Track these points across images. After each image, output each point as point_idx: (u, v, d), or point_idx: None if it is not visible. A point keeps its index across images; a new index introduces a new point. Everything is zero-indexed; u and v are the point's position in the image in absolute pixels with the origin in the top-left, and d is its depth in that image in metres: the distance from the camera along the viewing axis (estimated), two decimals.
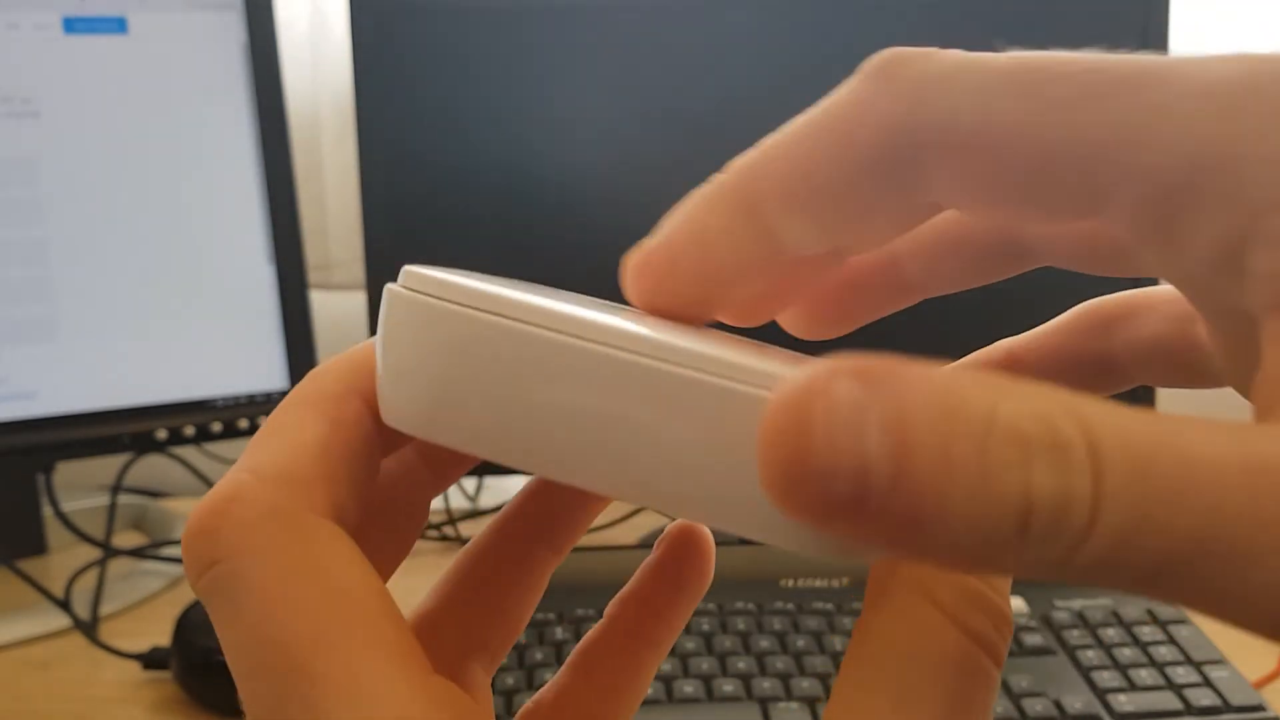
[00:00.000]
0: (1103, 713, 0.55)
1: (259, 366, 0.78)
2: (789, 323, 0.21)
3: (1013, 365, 0.21)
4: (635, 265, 0.18)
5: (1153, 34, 0.70)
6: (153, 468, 0.89)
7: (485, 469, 0.81)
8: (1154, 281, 0.20)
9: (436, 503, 0.90)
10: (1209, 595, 0.12)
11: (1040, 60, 0.15)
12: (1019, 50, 0.15)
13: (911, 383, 0.12)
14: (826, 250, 0.17)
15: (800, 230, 0.17)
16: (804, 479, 0.12)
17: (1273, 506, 0.11)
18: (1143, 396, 0.73)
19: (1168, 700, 0.55)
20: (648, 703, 0.56)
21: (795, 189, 0.16)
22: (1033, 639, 0.60)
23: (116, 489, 0.84)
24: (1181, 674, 0.57)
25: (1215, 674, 0.57)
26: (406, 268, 0.17)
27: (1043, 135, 0.15)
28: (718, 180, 0.17)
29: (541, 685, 0.59)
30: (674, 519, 0.22)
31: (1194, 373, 0.19)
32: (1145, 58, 0.15)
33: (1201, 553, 0.11)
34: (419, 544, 0.83)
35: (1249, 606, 0.12)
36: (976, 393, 0.12)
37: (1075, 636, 0.61)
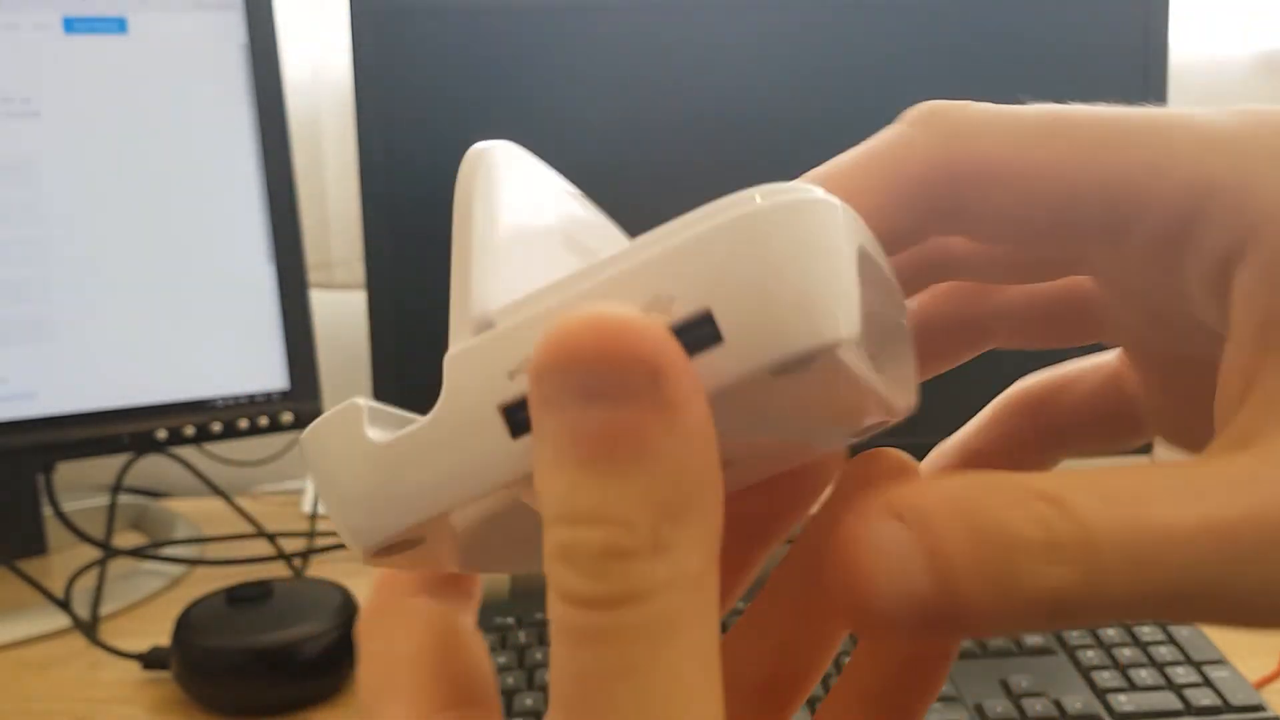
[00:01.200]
0: (1103, 713, 0.55)
1: (259, 366, 0.78)
2: None
3: (972, 463, 0.23)
4: None
5: (1153, 34, 0.70)
6: (153, 468, 0.89)
7: None
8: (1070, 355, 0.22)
9: None
10: (1204, 618, 0.15)
11: (1065, 110, 0.17)
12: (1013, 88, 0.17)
13: (941, 511, 0.14)
14: None
15: None
16: (874, 617, 0.14)
17: (1234, 564, 0.14)
18: None
19: (1168, 700, 0.55)
20: None
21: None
22: (1033, 639, 0.60)
23: (116, 489, 0.84)
24: (1181, 674, 0.57)
25: (1215, 674, 0.57)
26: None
27: (1070, 172, 0.17)
28: None
29: (542, 685, 0.59)
30: None
31: (1126, 430, 0.22)
32: (1158, 110, 0.17)
33: (1188, 594, 0.14)
34: None
35: (1240, 615, 0.15)
36: (995, 507, 0.14)
37: (1075, 636, 0.61)
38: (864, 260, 0.16)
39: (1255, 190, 0.16)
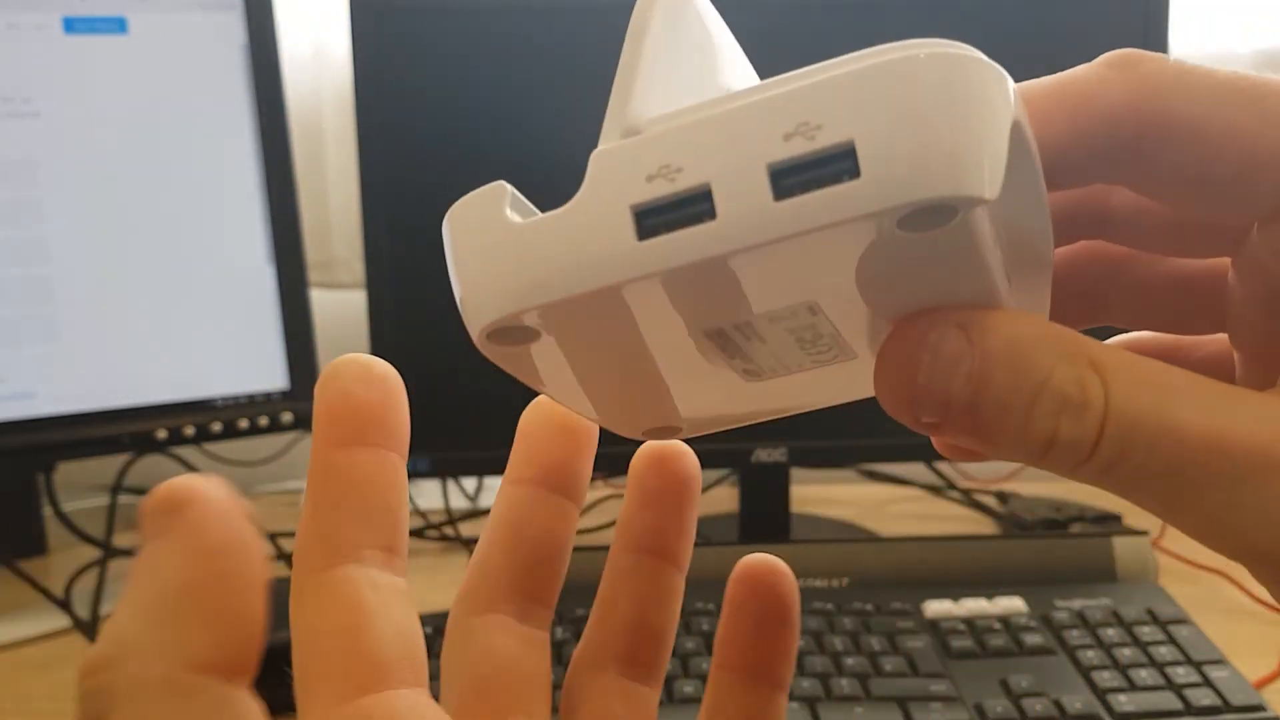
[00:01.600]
0: (1103, 713, 0.55)
1: (259, 366, 0.78)
2: None
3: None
4: None
5: (1153, 32, 0.70)
6: (153, 468, 0.89)
7: (488, 469, 0.81)
8: None
9: (436, 502, 0.90)
10: (1178, 523, 0.17)
11: (1258, 79, 0.18)
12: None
13: (997, 342, 0.17)
14: None
15: None
16: (907, 403, 0.17)
17: (1228, 481, 0.16)
18: None
19: (1168, 700, 0.55)
20: None
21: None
22: (1033, 639, 0.60)
23: (116, 489, 0.84)
24: (1181, 674, 0.57)
25: (1215, 674, 0.57)
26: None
27: (1253, 140, 0.17)
28: None
29: None
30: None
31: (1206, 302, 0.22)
32: None
33: (1170, 495, 0.17)
34: (419, 544, 0.83)
35: (1203, 529, 0.17)
36: (1040, 357, 0.16)
37: (1075, 636, 0.61)
38: (1016, 143, 0.15)
39: None
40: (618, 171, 0.16)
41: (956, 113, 0.14)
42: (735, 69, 0.19)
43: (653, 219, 0.15)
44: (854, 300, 0.17)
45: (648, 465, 0.23)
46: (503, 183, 0.17)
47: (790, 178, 0.14)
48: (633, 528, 0.23)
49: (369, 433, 0.19)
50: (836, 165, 0.14)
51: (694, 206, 0.15)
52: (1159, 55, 0.18)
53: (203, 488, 0.15)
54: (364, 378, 0.19)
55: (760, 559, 0.24)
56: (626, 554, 0.23)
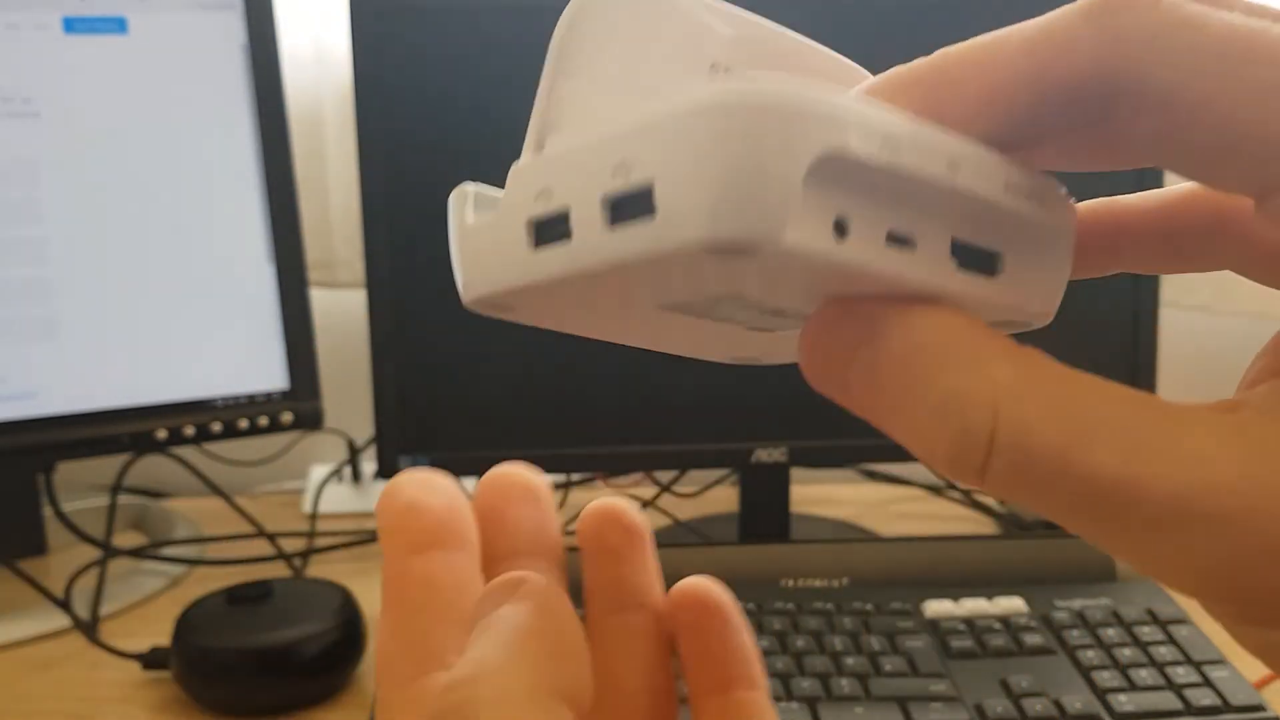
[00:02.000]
0: (1103, 713, 0.55)
1: (259, 366, 0.78)
2: None
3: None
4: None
5: None
6: (153, 468, 0.89)
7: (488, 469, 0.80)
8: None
9: None
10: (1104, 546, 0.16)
11: (1253, 37, 0.15)
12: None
13: (896, 343, 0.16)
14: None
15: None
16: (813, 378, 0.17)
17: (1123, 523, 0.15)
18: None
19: (1168, 700, 0.55)
20: None
21: (982, 104, 0.17)
22: (1033, 639, 0.60)
23: (116, 489, 0.84)
24: (1181, 674, 0.57)
25: (1215, 674, 0.57)
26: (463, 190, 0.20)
27: (1234, 114, 0.15)
28: (905, 71, 0.18)
29: None
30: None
31: (1188, 257, 0.21)
32: None
33: (1074, 521, 0.15)
34: None
35: (1127, 559, 0.16)
36: (933, 365, 0.16)
37: (1075, 636, 0.61)
38: (852, 165, 0.16)
39: None
40: (518, 188, 0.18)
41: (740, 161, 0.15)
42: (686, 61, 0.19)
43: (542, 232, 0.17)
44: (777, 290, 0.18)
45: (604, 522, 0.23)
46: (465, 186, 0.19)
47: (619, 209, 0.16)
48: (609, 588, 0.23)
49: (441, 536, 0.20)
50: (644, 203, 0.15)
51: (560, 226, 0.17)
52: (1150, 5, 0.16)
53: (533, 577, 0.19)
54: (427, 486, 0.21)
55: (680, 585, 0.23)
56: (612, 616, 0.23)
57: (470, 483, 1.04)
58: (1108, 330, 0.75)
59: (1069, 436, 0.15)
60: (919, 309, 0.16)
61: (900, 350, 0.16)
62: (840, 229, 0.16)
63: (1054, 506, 0.15)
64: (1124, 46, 0.15)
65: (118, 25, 0.73)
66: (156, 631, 0.66)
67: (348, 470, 0.95)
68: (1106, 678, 0.57)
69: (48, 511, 0.81)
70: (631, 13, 0.19)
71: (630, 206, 0.16)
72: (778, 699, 0.56)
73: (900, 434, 0.16)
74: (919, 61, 0.18)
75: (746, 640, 0.23)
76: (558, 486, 0.91)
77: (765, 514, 0.81)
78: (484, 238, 0.19)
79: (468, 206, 0.19)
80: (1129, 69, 0.16)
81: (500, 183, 0.18)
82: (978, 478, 0.15)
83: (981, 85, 0.17)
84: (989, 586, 0.66)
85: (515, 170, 0.18)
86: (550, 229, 0.17)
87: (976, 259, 0.17)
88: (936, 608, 0.64)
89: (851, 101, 0.16)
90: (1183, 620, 0.62)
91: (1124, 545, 0.15)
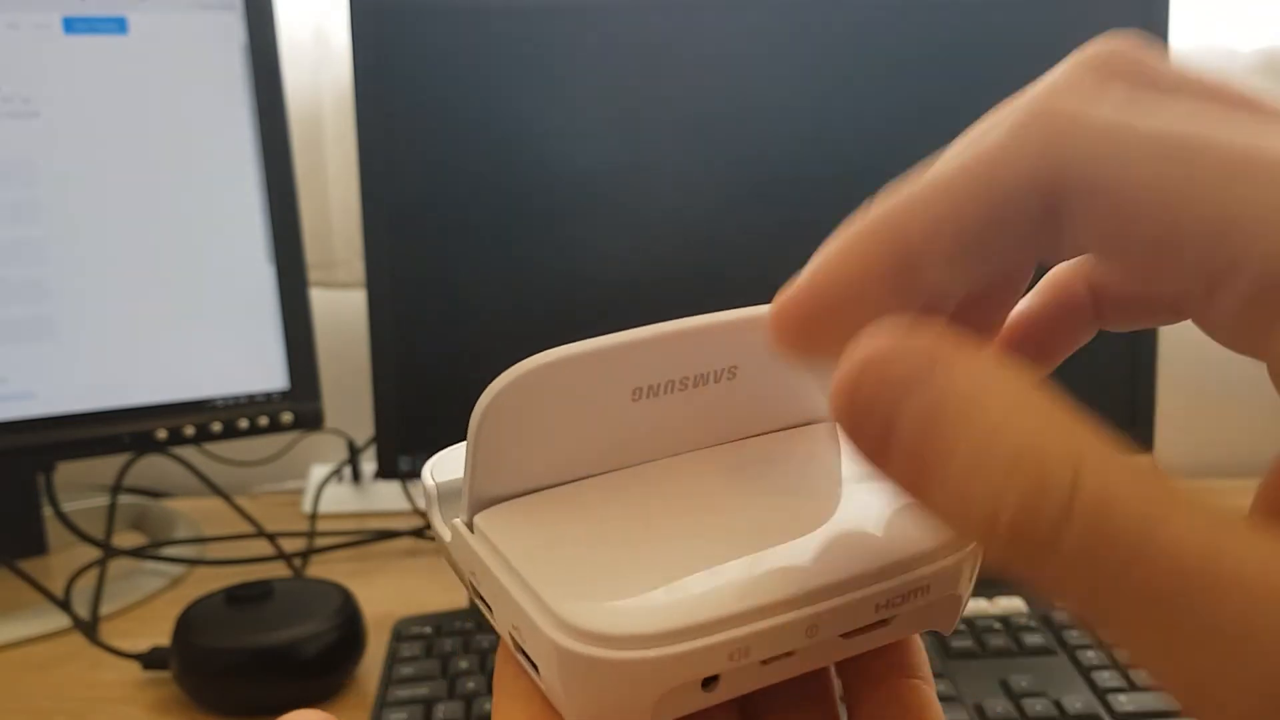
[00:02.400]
0: (1103, 713, 0.55)
1: (259, 366, 0.78)
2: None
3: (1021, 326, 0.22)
4: (782, 310, 0.18)
5: (1153, 32, 0.70)
6: (153, 468, 0.89)
7: None
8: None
9: None
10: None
11: (1188, 135, 0.15)
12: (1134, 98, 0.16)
13: (952, 378, 0.15)
14: (960, 293, 0.18)
15: (945, 275, 0.17)
16: (844, 414, 0.16)
17: (1210, 600, 0.13)
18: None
19: (1168, 700, 0.55)
20: None
21: (944, 235, 0.17)
22: (1033, 639, 0.60)
23: (116, 489, 0.84)
24: None
25: None
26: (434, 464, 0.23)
27: (1175, 206, 0.15)
28: (866, 223, 0.17)
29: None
30: None
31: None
32: None
33: (1144, 604, 0.13)
34: (417, 544, 0.83)
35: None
36: (995, 409, 0.14)
37: (1075, 636, 0.61)
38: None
39: None
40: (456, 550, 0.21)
41: (595, 698, 0.17)
42: (599, 442, 0.21)
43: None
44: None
45: None
46: (429, 479, 0.22)
47: (525, 655, 0.19)
48: None
49: None
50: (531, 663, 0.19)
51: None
52: (1076, 111, 0.16)
53: None
54: None
55: None
56: None
57: None
58: (1107, 331, 0.75)
59: (1153, 507, 0.13)
60: (987, 351, 0.15)
61: (967, 389, 0.14)
62: (708, 684, 0.17)
63: (1124, 588, 0.13)
64: (1065, 147, 0.16)
65: (118, 25, 0.73)
66: (156, 631, 0.66)
67: (348, 470, 0.95)
68: (1107, 678, 0.57)
69: (48, 511, 0.81)
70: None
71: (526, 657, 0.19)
72: None
73: (950, 489, 0.14)
74: (874, 216, 0.17)
75: None
76: None
77: None
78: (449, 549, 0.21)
79: (435, 513, 0.22)
80: (1073, 169, 0.16)
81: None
82: (1046, 546, 0.14)
83: (945, 226, 0.17)
84: (989, 586, 0.66)
85: (450, 537, 0.21)
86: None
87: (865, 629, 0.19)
88: None
89: (683, 622, 0.17)
90: None
91: (1187, 645, 0.13)
